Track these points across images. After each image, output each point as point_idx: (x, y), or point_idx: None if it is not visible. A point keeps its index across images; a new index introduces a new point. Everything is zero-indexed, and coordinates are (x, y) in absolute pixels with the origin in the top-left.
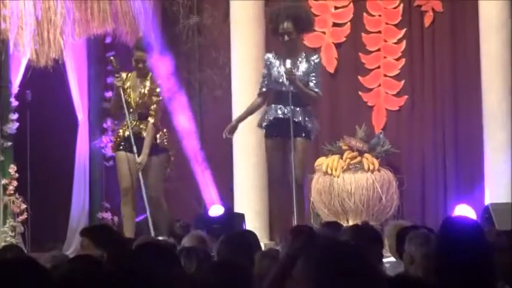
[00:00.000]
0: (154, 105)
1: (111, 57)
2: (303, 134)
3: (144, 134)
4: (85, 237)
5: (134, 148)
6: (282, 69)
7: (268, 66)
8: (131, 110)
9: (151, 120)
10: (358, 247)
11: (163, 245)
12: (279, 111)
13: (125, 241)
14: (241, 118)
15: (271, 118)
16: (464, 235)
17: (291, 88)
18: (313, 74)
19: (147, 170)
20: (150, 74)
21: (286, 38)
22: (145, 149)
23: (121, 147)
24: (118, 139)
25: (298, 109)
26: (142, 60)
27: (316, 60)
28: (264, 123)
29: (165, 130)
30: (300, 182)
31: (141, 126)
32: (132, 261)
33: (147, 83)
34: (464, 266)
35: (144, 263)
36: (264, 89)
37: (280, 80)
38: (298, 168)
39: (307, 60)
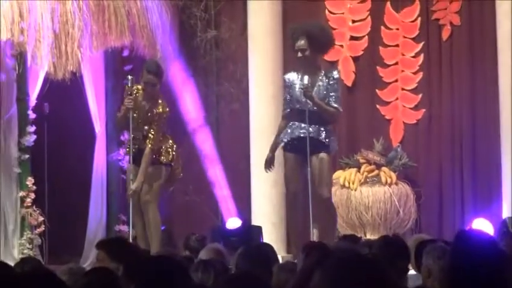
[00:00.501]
0: (155, 128)
1: (129, 76)
2: (324, 150)
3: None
4: (101, 250)
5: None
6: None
7: (289, 87)
8: (135, 125)
9: (149, 144)
10: (374, 260)
11: (176, 258)
12: (301, 130)
13: (141, 254)
14: (273, 147)
15: (293, 136)
16: (477, 248)
17: (309, 106)
18: (332, 90)
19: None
20: (160, 99)
21: (299, 54)
22: (140, 176)
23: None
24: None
25: (321, 128)
26: (152, 83)
27: (335, 76)
28: (285, 139)
29: (170, 142)
30: (327, 195)
31: (147, 141)
32: (146, 275)
33: (157, 109)
34: (476, 279)
35: (158, 276)
36: (287, 111)
37: (302, 99)
38: (325, 183)
39: (327, 77)
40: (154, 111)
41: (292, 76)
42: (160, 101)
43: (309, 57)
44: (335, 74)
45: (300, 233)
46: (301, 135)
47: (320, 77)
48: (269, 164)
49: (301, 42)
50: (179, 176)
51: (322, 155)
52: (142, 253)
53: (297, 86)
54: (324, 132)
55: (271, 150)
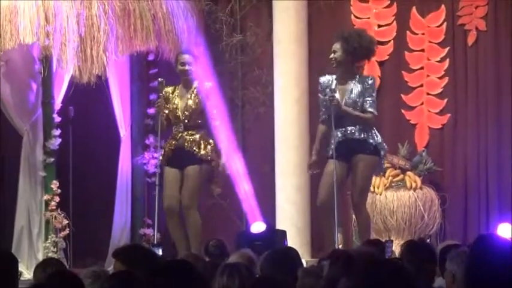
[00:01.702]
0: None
1: (160, 79)
2: (368, 151)
3: (187, 145)
4: (116, 259)
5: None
6: (336, 94)
7: (323, 90)
8: (176, 121)
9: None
10: (400, 265)
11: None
12: (339, 134)
13: (158, 260)
14: (317, 149)
15: (335, 144)
16: (495, 252)
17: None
18: (368, 95)
19: (185, 179)
20: (196, 84)
21: (331, 55)
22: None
23: (166, 163)
24: (164, 154)
25: (357, 127)
26: (188, 62)
27: (370, 82)
28: (330, 150)
29: (211, 141)
30: (357, 199)
31: (187, 137)
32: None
33: (192, 95)
34: (493, 283)
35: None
36: (325, 116)
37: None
38: (357, 186)
39: (361, 82)
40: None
41: (327, 79)
42: (195, 86)
43: (341, 61)
44: (370, 79)
45: (326, 237)
46: (340, 139)
47: (354, 82)
48: (312, 166)
49: (334, 45)
50: (224, 173)
51: (363, 156)
52: (160, 259)
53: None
54: (362, 131)
55: (315, 154)
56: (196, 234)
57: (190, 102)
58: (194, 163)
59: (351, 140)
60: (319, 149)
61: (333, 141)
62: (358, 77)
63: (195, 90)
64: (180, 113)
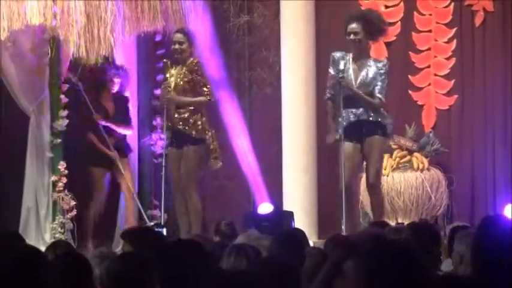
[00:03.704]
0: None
1: (165, 60)
2: (380, 132)
3: (187, 128)
4: (125, 241)
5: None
6: (350, 72)
7: (335, 65)
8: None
9: (207, 97)
10: (407, 244)
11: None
12: (351, 115)
13: (166, 241)
14: (331, 125)
15: (345, 123)
16: (500, 232)
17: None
18: (380, 80)
19: (183, 160)
20: (190, 60)
21: (352, 37)
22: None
23: (170, 145)
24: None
25: (370, 109)
26: (180, 41)
27: (385, 67)
28: (340, 130)
29: (204, 119)
30: (373, 180)
31: (176, 116)
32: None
33: (182, 74)
34: (498, 262)
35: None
36: (331, 93)
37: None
38: (373, 167)
39: (376, 65)
40: (183, 73)
41: (341, 55)
42: (189, 62)
43: (360, 40)
44: (385, 64)
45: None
46: (352, 119)
47: (369, 63)
48: (332, 136)
49: (354, 25)
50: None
51: (377, 138)
52: (167, 240)
53: (343, 70)
54: (374, 112)
55: (334, 129)
56: (196, 216)
57: (178, 80)
58: (189, 143)
59: (363, 121)
60: (331, 124)
61: (340, 121)
62: (372, 58)
63: (184, 69)
64: (172, 93)
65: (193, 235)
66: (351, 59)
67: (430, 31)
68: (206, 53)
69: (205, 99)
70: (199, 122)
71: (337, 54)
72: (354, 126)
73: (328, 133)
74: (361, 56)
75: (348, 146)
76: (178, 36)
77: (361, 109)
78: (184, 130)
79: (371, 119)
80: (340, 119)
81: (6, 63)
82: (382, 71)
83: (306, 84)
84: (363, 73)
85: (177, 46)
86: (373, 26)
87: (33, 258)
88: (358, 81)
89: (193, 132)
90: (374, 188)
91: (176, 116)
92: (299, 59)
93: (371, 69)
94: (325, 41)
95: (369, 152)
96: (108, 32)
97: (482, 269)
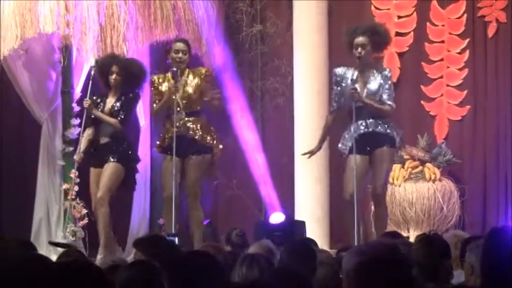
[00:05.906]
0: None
1: (174, 69)
2: (388, 144)
3: (191, 133)
4: (137, 249)
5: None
6: (357, 85)
7: (338, 82)
8: (178, 109)
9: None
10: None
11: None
12: (361, 127)
13: (178, 251)
14: (321, 141)
15: (356, 136)
16: (508, 243)
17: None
18: (386, 87)
19: (188, 169)
20: (205, 69)
21: (359, 50)
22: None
23: (166, 151)
24: (164, 141)
25: (379, 121)
26: (182, 50)
27: (388, 74)
28: (350, 142)
29: (212, 128)
30: (380, 191)
31: (188, 125)
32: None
33: (189, 80)
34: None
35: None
36: (335, 107)
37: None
38: (381, 179)
39: (380, 74)
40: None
41: (343, 71)
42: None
43: (368, 53)
44: (387, 72)
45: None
46: (362, 131)
47: (372, 74)
48: (313, 154)
49: (361, 39)
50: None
51: (386, 150)
52: (180, 250)
53: (349, 81)
54: (383, 124)
55: (318, 147)
56: (199, 226)
57: (187, 88)
58: (196, 153)
59: (372, 133)
60: (322, 140)
61: (348, 134)
62: (375, 68)
63: (191, 77)
64: (179, 101)
65: (205, 245)
66: (356, 72)
67: (442, 42)
68: (219, 62)
69: (218, 103)
70: (212, 130)
71: (339, 71)
72: (363, 138)
73: (313, 151)
74: (365, 68)
75: (357, 158)
76: (182, 46)
77: (370, 120)
78: (192, 138)
79: (379, 129)
80: (351, 132)
81: (19, 71)
82: (386, 79)
83: (318, 95)
84: (369, 85)
85: (180, 55)
86: (380, 37)
87: (41, 267)
88: (365, 93)
89: (204, 142)
90: (379, 199)
91: (185, 123)
92: (312, 70)
93: (376, 80)
94: (338, 51)
95: (376, 163)
96: (121, 40)
97: (491, 280)
